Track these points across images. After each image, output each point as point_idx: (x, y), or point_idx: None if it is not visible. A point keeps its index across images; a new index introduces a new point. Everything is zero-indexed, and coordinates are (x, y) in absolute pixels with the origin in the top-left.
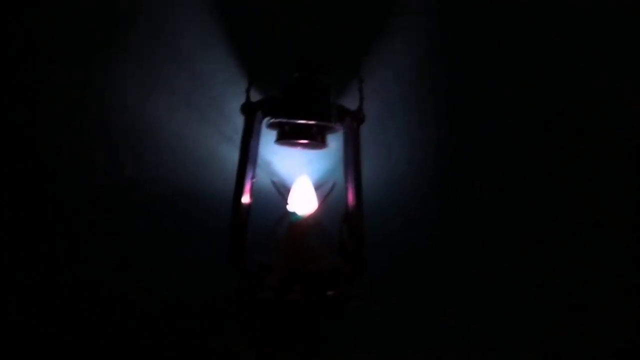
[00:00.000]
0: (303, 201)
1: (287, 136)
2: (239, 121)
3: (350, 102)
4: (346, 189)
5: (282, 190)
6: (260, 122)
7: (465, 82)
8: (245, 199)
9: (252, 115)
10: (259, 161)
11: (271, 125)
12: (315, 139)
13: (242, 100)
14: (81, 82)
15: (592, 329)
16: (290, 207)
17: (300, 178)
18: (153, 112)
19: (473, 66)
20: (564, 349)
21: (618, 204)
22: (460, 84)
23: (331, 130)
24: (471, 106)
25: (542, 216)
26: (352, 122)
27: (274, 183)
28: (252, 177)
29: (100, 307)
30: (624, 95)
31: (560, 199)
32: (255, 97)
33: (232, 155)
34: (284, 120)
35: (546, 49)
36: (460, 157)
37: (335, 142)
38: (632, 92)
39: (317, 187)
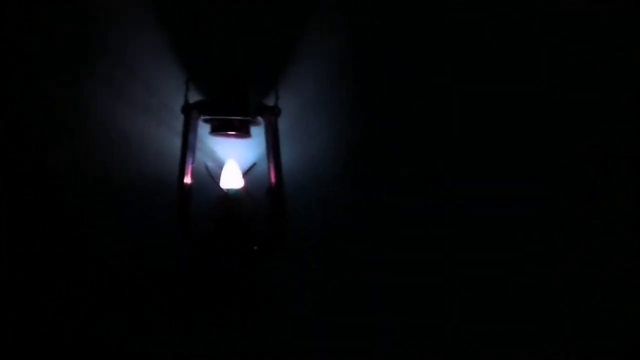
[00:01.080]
0: (231, 180)
1: (216, 129)
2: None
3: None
4: (268, 169)
5: (213, 173)
6: (197, 119)
7: (377, 79)
8: (187, 179)
9: (189, 114)
10: (201, 149)
11: (205, 121)
12: (240, 130)
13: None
14: (57, 97)
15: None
16: (222, 186)
17: (229, 161)
18: (120, 120)
19: (385, 64)
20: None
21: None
22: (373, 81)
23: (253, 123)
24: (381, 99)
25: (450, 207)
26: (270, 116)
27: (206, 167)
28: (192, 162)
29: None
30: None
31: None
32: (194, 98)
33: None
34: (212, 117)
35: (464, 43)
36: (371, 140)
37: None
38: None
39: (245, 169)
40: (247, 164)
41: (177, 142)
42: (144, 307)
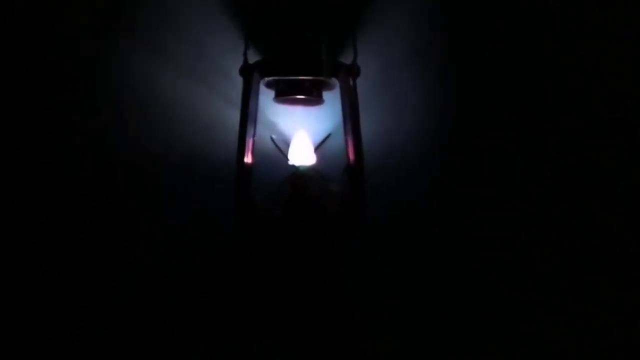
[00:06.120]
0: (302, 154)
1: (282, 93)
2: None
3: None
4: (345, 142)
5: (281, 146)
6: (258, 82)
7: (470, 35)
8: (248, 156)
9: (249, 76)
10: (263, 122)
11: (268, 85)
12: (310, 93)
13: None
14: (90, 58)
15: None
16: (291, 162)
17: (298, 133)
18: (161, 85)
19: (479, 19)
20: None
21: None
22: (465, 37)
23: (327, 85)
24: (477, 59)
25: (550, 179)
26: (347, 76)
27: (272, 139)
28: (253, 135)
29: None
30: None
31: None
32: (254, 59)
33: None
34: (278, 78)
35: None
36: (467, 110)
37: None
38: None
39: (318, 142)
40: (320, 136)
41: (234, 114)
42: (195, 311)
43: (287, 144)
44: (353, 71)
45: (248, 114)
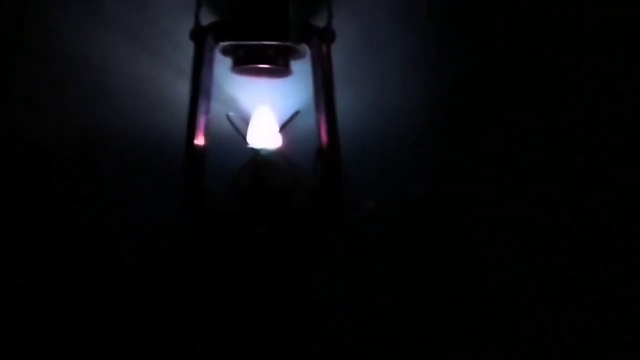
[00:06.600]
0: (264, 136)
1: (242, 61)
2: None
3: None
4: (317, 121)
5: (240, 126)
6: (213, 48)
7: None
8: (200, 137)
9: (202, 41)
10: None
11: (225, 51)
12: (275, 62)
13: None
14: (18, 20)
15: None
16: (251, 144)
17: (260, 109)
18: (98, 50)
19: None
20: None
21: None
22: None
23: (295, 53)
24: (480, 23)
25: (557, 162)
26: (320, 42)
27: (229, 118)
28: (207, 112)
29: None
30: None
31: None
32: (208, 21)
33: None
34: (236, 43)
35: None
36: (467, 84)
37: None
38: None
39: (284, 121)
40: (287, 113)
41: (184, 87)
42: (137, 314)
43: (247, 123)
44: (327, 36)
45: (200, 86)
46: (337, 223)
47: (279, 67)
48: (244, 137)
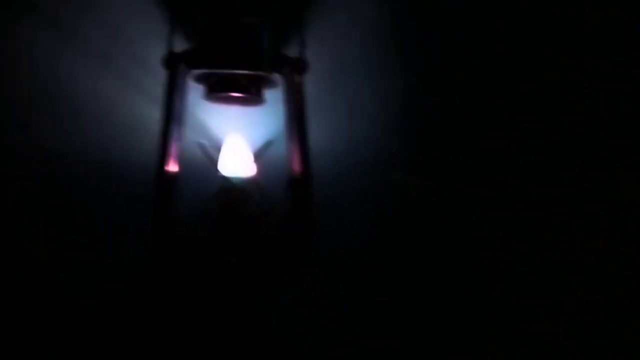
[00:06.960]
0: (235, 164)
1: (214, 90)
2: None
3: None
4: (290, 150)
5: (212, 154)
6: (186, 76)
7: (437, 23)
8: (171, 164)
9: (174, 68)
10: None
11: (198, 79)
12: (248, 91)
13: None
14: None
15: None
16: (222, 172)
17: (231, 137)
18: (68, 73)
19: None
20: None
21: None
22: (432, 25)
23: (268, 82)
24: (444, 51)
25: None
26: (293, 72)
27: (201, 145)
28: (179, 139)
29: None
30: None
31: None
32: (181, 48)
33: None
34: (209, 71)
35: None
36: (435, 114)
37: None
38: None
39: (256, 151)
40: (260, 143)
41: (156, 113)
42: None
43: (219, 151)
44: (300, 66)
45: (172, 113)
46: (307, 249)
47: (251, 96)
48: (215, 165)
